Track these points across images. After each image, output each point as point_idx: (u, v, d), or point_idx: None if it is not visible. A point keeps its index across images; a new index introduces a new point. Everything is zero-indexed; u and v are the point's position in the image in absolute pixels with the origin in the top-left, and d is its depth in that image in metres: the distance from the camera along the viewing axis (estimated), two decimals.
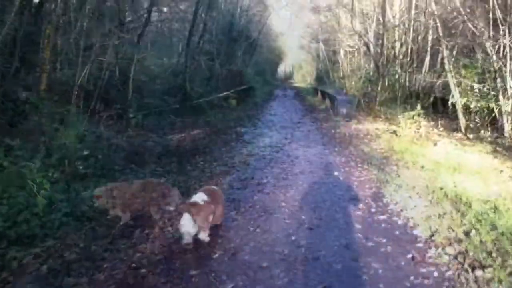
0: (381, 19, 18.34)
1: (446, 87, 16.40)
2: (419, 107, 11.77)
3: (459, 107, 10.40)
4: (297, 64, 62.44)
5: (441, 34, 11.53)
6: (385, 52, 15.34)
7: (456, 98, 10.55)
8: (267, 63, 48.15)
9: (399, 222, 4.46)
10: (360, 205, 4.99)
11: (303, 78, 53.37)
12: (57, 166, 5.58)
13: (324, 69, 32.59)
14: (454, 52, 12.20)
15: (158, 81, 17.83)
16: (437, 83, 15.98)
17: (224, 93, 15.83)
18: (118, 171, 6.13)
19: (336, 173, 6.58)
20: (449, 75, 11.08)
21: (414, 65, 16.89)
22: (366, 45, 18.83)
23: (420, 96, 16.19)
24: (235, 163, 7.20)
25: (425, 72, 16.79)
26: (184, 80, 14.30)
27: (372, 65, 21.90)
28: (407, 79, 17.00)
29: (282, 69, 74.50)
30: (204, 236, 3.88)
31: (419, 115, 10.62)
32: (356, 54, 23.10)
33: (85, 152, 6.05)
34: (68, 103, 7.60)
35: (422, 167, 6.94)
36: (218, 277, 3.29)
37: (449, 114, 12.38)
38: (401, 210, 4.80)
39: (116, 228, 4.16)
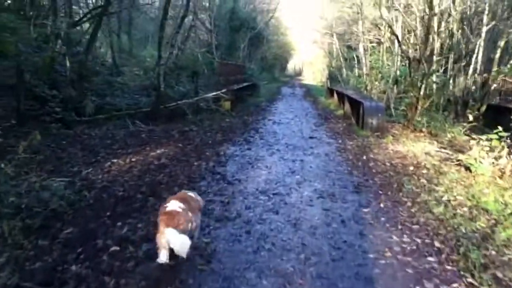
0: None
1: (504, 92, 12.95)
2: (470, 118, 8.66)
3: None
4: (307, 60, 59.23)
5: None
6: (429, 45, 11.40)
7: None
8: (275, 59, 45.28)
9: None
10: None
11: (314, 76, 49.90)
12: None
13: (337, 67, 28.64)
14: None
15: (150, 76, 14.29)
16: (492, 88, 12.40)
17: (213, 93, 11.98)
18: None
19: None
20: None
21: (463, 63, 13.06)
22: (396, 37, 14.92)
23: (468, 104, 12.67)
24: (179, 259, 3.32)
25: (475, 73, 13.20)
26: (158, 75, 10.54)
27: (398, 62, 18.11)
28: (451, 82, 13.37)
29: (292, 66, 71.34)
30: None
31: (499, 138, 6.70)
32: (381, 49, 19.20)
33: None
34: None
35: None
36: None
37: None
38: None
39: None
